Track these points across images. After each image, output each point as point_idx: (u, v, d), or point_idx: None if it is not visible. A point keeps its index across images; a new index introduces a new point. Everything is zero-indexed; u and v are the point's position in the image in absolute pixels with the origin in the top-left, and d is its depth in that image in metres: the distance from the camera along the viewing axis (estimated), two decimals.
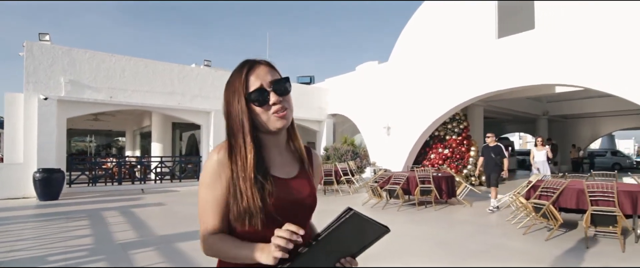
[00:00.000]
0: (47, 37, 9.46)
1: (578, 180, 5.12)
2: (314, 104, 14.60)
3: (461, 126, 11.69)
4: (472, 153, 11.51)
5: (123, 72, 10.28)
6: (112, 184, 10.65)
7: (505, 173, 7.05)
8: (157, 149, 13.58)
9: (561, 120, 21.33)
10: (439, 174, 7.63)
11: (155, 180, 11.27)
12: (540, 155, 8.15)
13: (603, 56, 7.36)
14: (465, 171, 11.24)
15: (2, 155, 9.38)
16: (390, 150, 11.81)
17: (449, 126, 11.66)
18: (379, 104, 12.38)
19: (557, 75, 8.08)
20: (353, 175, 9.80)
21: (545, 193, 5.01)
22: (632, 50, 7.03)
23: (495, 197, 6.93)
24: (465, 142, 11.60)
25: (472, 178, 11.36)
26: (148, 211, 7.12)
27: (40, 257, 4.12)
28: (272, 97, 0.93)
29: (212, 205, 0.93)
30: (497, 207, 6.88)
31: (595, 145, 33.31)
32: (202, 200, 0.95)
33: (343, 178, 9.48)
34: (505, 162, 7.08)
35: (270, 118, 0.94)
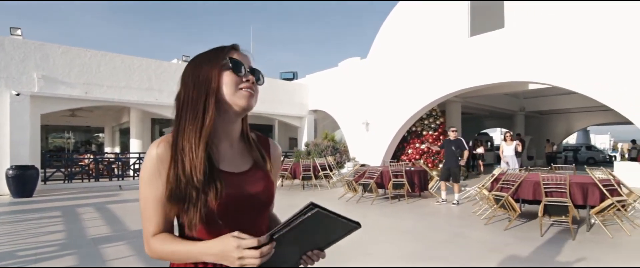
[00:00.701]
0: (18, 32, 9.26)
1: (535, 174, 5.41)
2: (295, 100, 14.70)
3: (437, 122, 12.00)
4: None
5: (98, 68, 10.15)
6: (89, 181, 10.54)
7: (462, 162, 7.25)
8: (136, 145, 13.46)
9: (537, 115, 22.04)
10: (412, 169, 7.87)
11: (133, 176, 11.20)
12: (509, 150, 8.49)
13: (568, 55, 7.71)
14: (441, 165, 11.55)
15: None
16: (369, 145, 12.05)
17: (426, 122, 11.96)
18: (359, 100, 12.58)
19: (525, 72, 8.42)
20: (331, 170, 9.98)
21: (506, 186, 5.29)
22: (594, 49, 7.39)
23: (459, 191, 7.10)
24: (441, 137, 11.90)
25: None
26: (124, 207, 7.13)
27: (10, 252, 4.14)
28: (249, 76, 0.91)
29: (153, 205, 0.87)
30: (456, 201, 7.00)
31: (573, 140, 34.54)
32: (142, 199, 0.88)
33: (321, 173, 9.65)
34: (466, 154, 7.30)
35: (237, 92, 0.89)
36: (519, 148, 8.48)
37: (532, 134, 21.73)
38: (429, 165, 11.49)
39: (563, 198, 4.65)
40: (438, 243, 4.46)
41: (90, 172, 11.02)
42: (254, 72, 0.93)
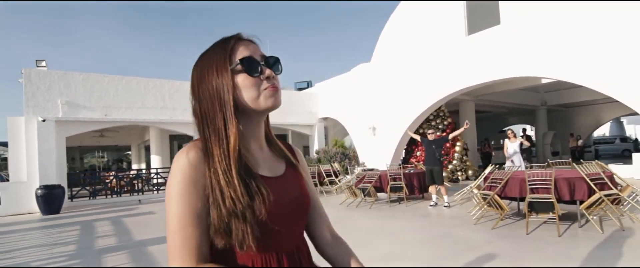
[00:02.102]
0: (43, 63, 10.15)
1: (522, 171, 5.33)
2: (304, 109, 15.01)
3: (445, 123, 11.88)
4: (457, 148, 11.67)
5: (116, 91, 10.90)
6: (112, 196, 11.25)
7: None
8: (156, 161, 14.20)
9: (561, 109, 21.13)
10: (412, 171, 7.88)
11: (153, 190, 11.83)
12: (512, 148, 8.31)
13: (570, 48, 7.52)
14: (450, 166, 11.41)
15: (9, 175, 10.09)
16: (377, 149, 12.09)
17: (433, 123, 11.86)
18: (365, 105, 12.69)
19: (526, 68, 8.26)
20: (337, 176, 10.10)
21: (493, 184, 5.25)
22: (598, 41, 7.18)
23: (446, 193, 6.89)
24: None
25: (459, 173, 11.53)
26: (137, 220, 7.61)
27: (25, 262, 4.61)
28: (266, 70, 0.79)
29: (192, 220, 0.71)
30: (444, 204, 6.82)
31: (606, 132, 32.68)
32: (174, 216, 0.71)
33: (326, 179, 9.81)
34: (451, 135, 7.33)
35: (261, 94, 0.78)
36: (526, 143, 8.27)
37: (557, 128, 20.85)
38: None
39: (547, 194, 4.58)
40: (418, 243, 4.52)
41: (113, 188, 11.80)
42: (270, 60, 0.82)
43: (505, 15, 8.71)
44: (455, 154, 11.59)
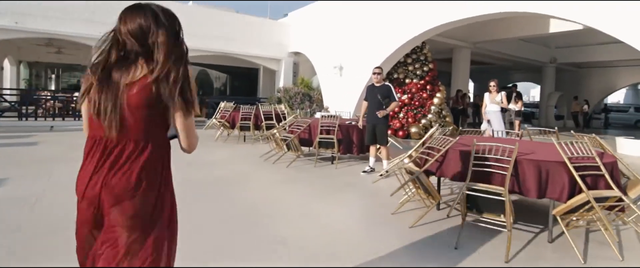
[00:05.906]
0: None
1: (471, 137, 3.46)
2: (272, 41, 12.79)
3: (425, 69, 9.76)
4: (435, 100, 9.71)
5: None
6: (20, 120, 9.62)
7: (381, 114, 4.98)
8: None
9: (572, 69, 18.72)
10: (352, 123, 6.04)
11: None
12: (492, 105, 6.38)
13: None
14: (424, 121, 9.54)
15: None
16: (342, 92, 10.21)
17: (411, 68, 9.76)
18: (334, 40, 10.52)
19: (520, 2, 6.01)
20: (280, 120, 8.26)
21: (425, 155, 3.44)
22: None
23: (388, 158, 5.19)
24: (428, 87, 9.75)
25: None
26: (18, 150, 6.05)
27: None
28: None
29: None
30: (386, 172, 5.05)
31: (621, 100, 30.22)
32: None
33: (264, 123, 8.03)
34: (393, 105, 5.14)
35: None
36: (505, 102, 6.34)
37: (565, 89, 18.61)
38: (410, 120, 9.55)
39: (498, 187, 2.78)
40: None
41: (49, 111, 10.45)
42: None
43: None
44: (432, 107, 9.66)
